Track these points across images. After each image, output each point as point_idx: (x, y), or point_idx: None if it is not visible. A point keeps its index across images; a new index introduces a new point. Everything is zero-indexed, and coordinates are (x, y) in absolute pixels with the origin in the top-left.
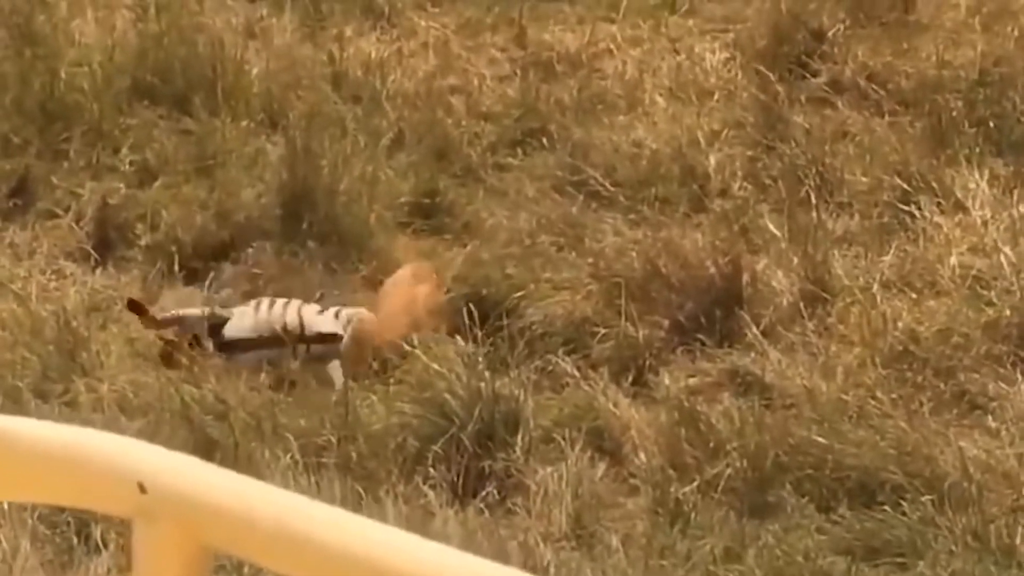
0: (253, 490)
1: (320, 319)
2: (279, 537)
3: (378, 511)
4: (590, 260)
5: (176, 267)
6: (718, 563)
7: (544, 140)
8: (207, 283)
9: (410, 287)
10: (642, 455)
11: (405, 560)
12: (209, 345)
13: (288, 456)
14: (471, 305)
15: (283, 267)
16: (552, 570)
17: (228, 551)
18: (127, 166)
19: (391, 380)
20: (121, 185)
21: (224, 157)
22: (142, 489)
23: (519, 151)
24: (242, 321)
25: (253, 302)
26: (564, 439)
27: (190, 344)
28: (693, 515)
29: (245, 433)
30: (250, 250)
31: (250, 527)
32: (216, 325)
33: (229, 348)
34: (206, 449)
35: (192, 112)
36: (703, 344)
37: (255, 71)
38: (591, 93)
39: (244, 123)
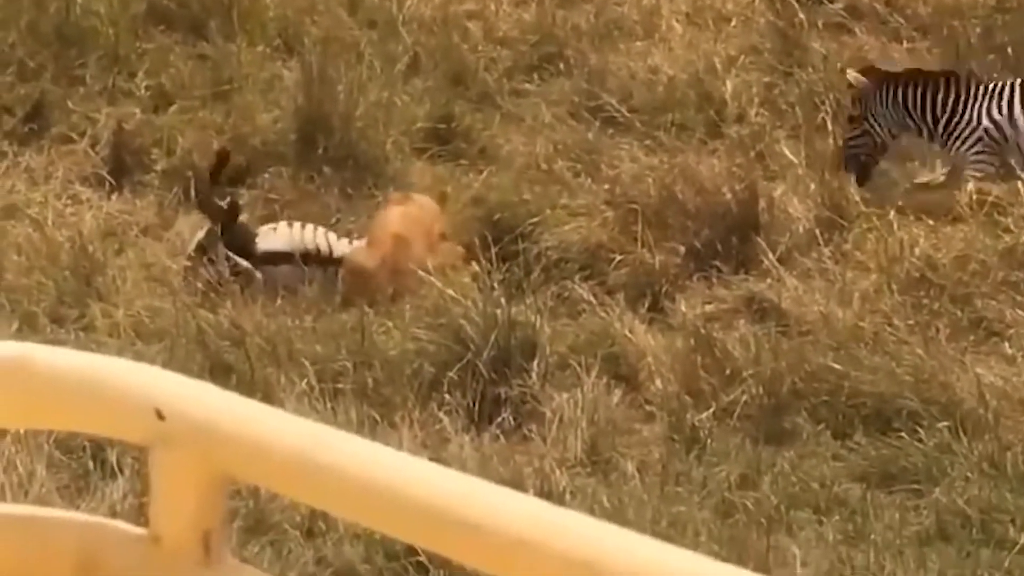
0: (270, 417)
1: (341, 244)
2: (296, 464)
3: (394, 437)
4: (606, 186)
5: (192, 192)
6: (733, 489)
7: (560, 66)
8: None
9: (403, 221)
10: (658, 382)
11: (421, 487)
12: (232, 261)
13: (304, 382)
14: (486, 231)
15: (299, 192)
16: (567, 496)
17: (245, 478)
18: (143, 91)
19: (407, 306)
20: (137, 110)
21: (240, 82)
22: (160, 416)
23: (535, 77)
24: (273, 238)
25: (271, 224)
26: (580, 365)
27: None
28: (709, 442)
29: (260, 358)
30: (266, 175)
31: (267, 454)
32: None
33: (265, 260)
34: (221, 374)
35: (208, 37)
36: (719, 271)
37: None
38: (608, 19)
39: (260, 48)
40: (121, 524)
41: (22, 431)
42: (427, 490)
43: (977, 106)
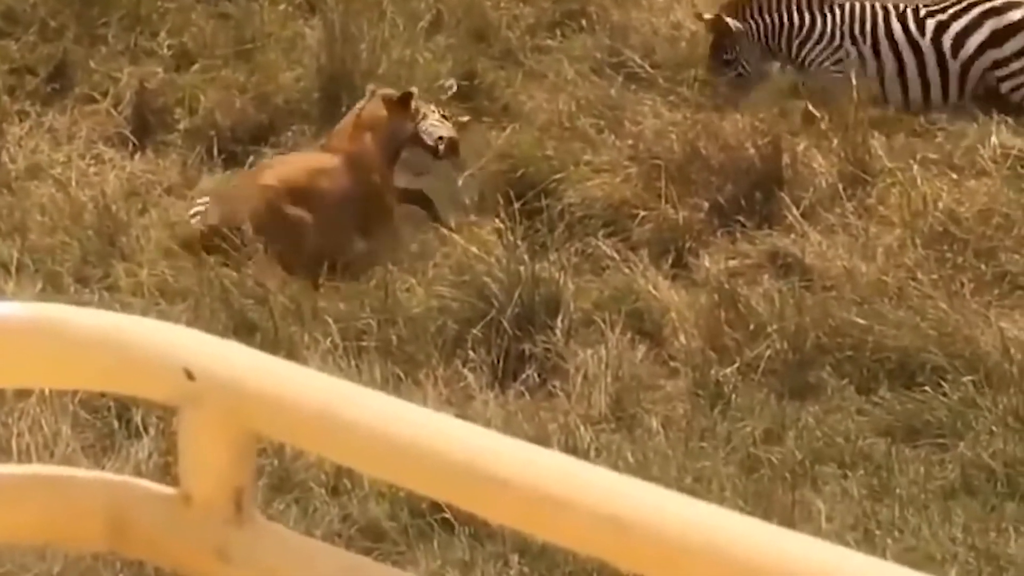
0: (299, 376)
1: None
2: (324, 421)
3: (418, 394)
4: (630, 142)
5: (215, 151)
6: (758, 445)
7: (583, 22)
8: (245, 167)
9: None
10: (682, 337)
11: (448, 443)
12: None
13: (328, 340)
14: (509, 188)
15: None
16: (592, 452)
17: (273, 436)
18: (165, 50)
19: (431, 264)
20: (159, 69)
21: (262, 41)
22: (189, 376)
23: (558, 33)
24: None
25: None
26: (604, 322)
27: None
28: (733, 397)
29: (284, 317)
30: (289, 133)
31: (296, 413)
32: None
33: None
34: (245, 333)
35: None
36: (743, 226)
37: None
38: None
39: (282, 7)
40: (150, 483)
41: (47, 391)
42: (453, 446)
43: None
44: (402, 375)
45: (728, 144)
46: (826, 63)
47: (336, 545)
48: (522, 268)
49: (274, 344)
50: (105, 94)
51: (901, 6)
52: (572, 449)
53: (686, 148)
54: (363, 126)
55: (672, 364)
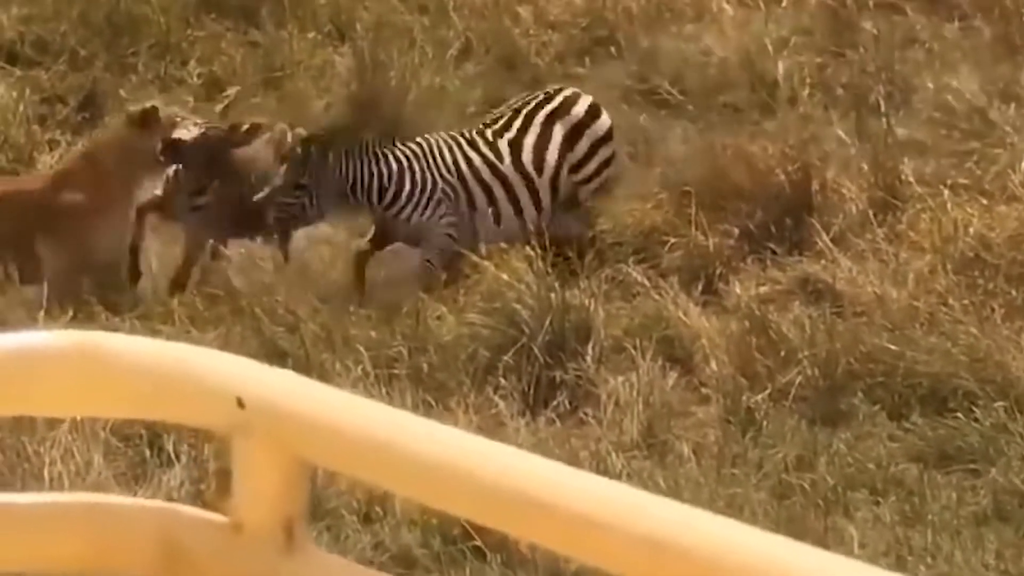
0: (350, 404)
1: None
2: (377, 451)
3: (449, 421)
4: (659, 169)
5: None
6: (790, 471)
7: (612, 49)
8: None
9: None
10: (713, 364)
11: (501, 472)
12: None
13: (359, 367)
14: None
15: None
16: (624, 479)
17: (325, 464)
18: (195, 79)
19: (460, 291)
20: (190, 98)
21: (292, 69)
22: (240, 404)
23: (587, 60)
24: None
25: None
26: (635, 348)
27: None
28: (765, 424)
29: (316, 344)
30: None
31: (348, 441)
32: None
33: None
34: (276, 360)
35: (259, 24)
36: (773, 252)
37: None
38: (658, 1)
39: (311, 35)
40: (201, 511)
41: (79, 418)
42: (507, 474)
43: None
44: (433, 402)
45: (758, 170)
46: (433, 217)
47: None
48: (553, 295)
49: (305, 372)
50: None
51: (466, 133)
52: (604, 476)
53: (716, 174)
54: (99, 145)
55: (703, 391)
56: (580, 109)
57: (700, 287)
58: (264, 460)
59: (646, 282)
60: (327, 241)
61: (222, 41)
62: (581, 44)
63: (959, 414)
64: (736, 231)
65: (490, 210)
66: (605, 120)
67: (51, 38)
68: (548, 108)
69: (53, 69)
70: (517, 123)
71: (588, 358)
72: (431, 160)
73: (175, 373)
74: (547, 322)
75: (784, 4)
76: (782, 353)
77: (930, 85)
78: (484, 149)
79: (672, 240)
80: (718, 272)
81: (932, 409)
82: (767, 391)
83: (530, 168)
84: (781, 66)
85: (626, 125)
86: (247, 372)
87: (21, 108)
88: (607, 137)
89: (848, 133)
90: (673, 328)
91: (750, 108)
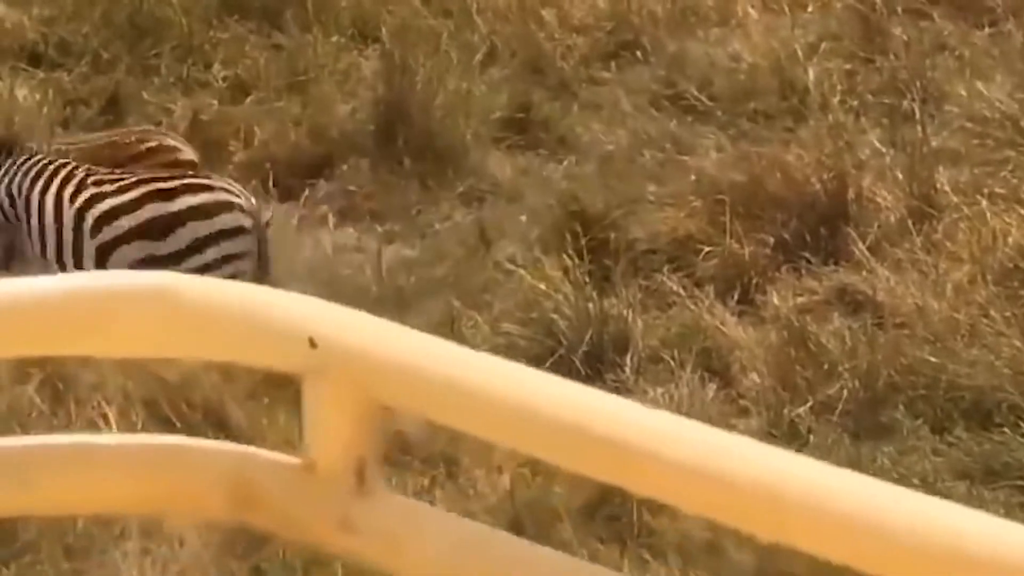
0: (424, 344)
1: None
2: (452, 390)
3: None
4: (693, 176)
5: (271, 184)
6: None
7: (637, 53)
8: (302, 201)
9: None
10: (753, 376)
11: (578, 412)
12: None
13: None
14: (573, 222)
15: (379, 184)
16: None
17: (399, 404)
18: (219, 82)
19: (495, 300)
20: (214, 101)
21: (316, 72)
22: (312, 344)
23: (612, 64)
24: None
25: None
26: (673, 359)
27: None
28: (808, 437)
29: None
30: (345, 167)
31: (422, 381)
32: None
33: None
34: None
35: (282, 27)
36: (808, 262)
37: None
38: (683, 5)
39: (335, 38)
40: (273, 453)
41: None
42: (581, 414)
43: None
44: None
45: (793, 178)
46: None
47: None
48: (590, 305)
49: None
50: (158, 125)
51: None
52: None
53: (750, 182)
54: None
55: (743, 403)
56: (184, 203)
57: (736, 296)
58: (336, 401)
59: (682, 291)
60: (357, 248)
61: (246, 44)
62: (606, 48)
63: (1005, 428)
64: (771, 240)
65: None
66: None
67: (73, 40)
68: (156, 185)
69: (76, 71)
70: (121, 181)
71: (627, 369)
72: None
73: (248, 315)
74: (585, 332)
75: (810, 9)
76: (823, 365)
77: (962, 92)
78: (71, 185)
79: (707, 248)
80: (754, 281)
81: (976, 423)
82: (808, 404)
83: (88, 227)
84: (811, 72)
85: (656, 131)
86: (319, 312)
87: (45, 110)
88: None
89: (882, 141)
90: (711, 339)
91: (780, 115)
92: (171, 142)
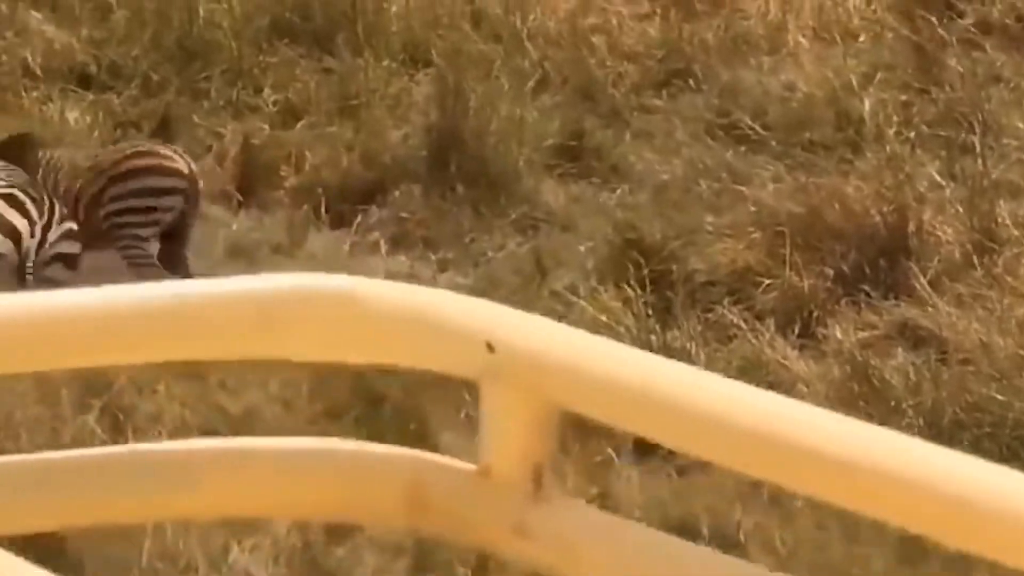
0: (604, 348)
1: None
2: (632, 395)
3: (556, 469)
4: (753, 208)
5: (323, 210)
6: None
7: (690, 81)
8: (353, 227)
9: None
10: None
11: (767, 419)
12: None
13: (462, 413)
14: (632, 253)
15: (431, 210)
16: (742, 534)
17: (578, 410)
18: (269, 106)
19: None
20: (264, 125)
21: (367, 97)
22: (490, 348)
23: (664, 92)
24: None
25: None
26: None
27: None
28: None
29: (411, 388)
30: (397, 193)
31: (601, 385)
32: None
33: None
34: (370, 405)
35: (333, 51)
36: (868, 295)
37: (394, 9)
38: (734, 33)
39: (386, 62)
40: (448, 458)
41: None
42: (771, 421)
43: None
44: None
45: (851, 210)
46: None
47: None
48: (653, 337)
49: (403, 417)
50: (208, 149)
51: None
52: (721, 529)
53: (808, 214)
54: None
55: None
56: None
57: (796, 330)
58: (513, 405)
59: (742, 324)
60: (410, 276)
61: (296, 68)
62: (657, 76)
63: None
64: (831, 272)
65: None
66: None
67: (123, 62)
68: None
69: (125, 93)
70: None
71: None
72: None
73: (425, 318)
74: None
75: (861, 38)
76: (889, 402)
77: (1020, 125)
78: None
79: (766, 281)
80: (814, 315)
81: None
82: None
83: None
84: (867, 103)
85: (712, 161)
86: (497, 316)
87: (95, 133)
88: None
89: (940, 173)
90: (773, 373)
91: (836, 145)
92: (163, 151)
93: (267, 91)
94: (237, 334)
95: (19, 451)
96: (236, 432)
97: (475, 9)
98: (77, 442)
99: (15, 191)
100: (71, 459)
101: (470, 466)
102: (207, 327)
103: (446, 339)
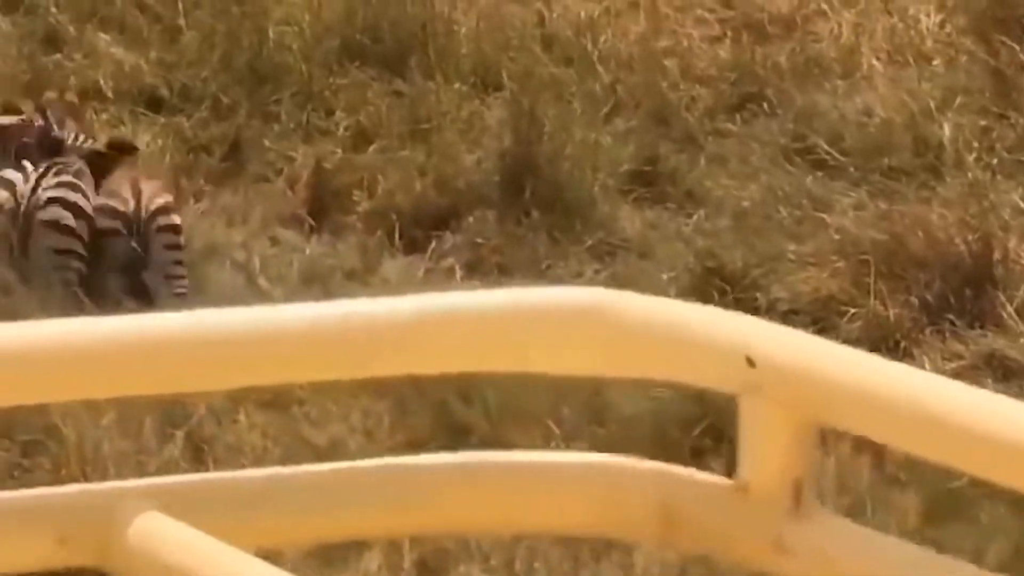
0: (868, 363)
1: None
2: (899, 411)
3: None
4: (837, 235)
5: (396, 235)
6: (1006, 566)
7: (763, 105)
8: (428, 253)
9: None
10: None
11: None
12: None
13: (552, 444)
14: (715, 280)
15: (506, 236)
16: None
17: (840, 425)
18: (341, 130)
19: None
20: (336, 149)
21: (439, 120)
22: (750, 363)
23: (737, 117)
24: None
25: None
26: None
27: None
28: (974, 512)
29: (492, 414)
30: (471, 219)
31: (865, 400)
32: None
33: None
34: (451, 434)
35: (404, 73)
36: (953, 324)
37: (463, 31)
38: (807, 56)
39: (456, 85)
40: (704, 473)
41: None
42: None
43: None
44: None
45: (936, 238)
46: None
47: None
48: None
49: (491, 446)
50: (279, 173)
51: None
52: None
53: (892, 241)
54: None
55: (899, 475)
56: None
57: None
58: (773, 420)
59: None
60: None
61: (367, 90)
62: (730, 100)
63: None
64: (915, 302)
65: None
66: None
67: (192, 84)
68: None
69: (195, 116)
70: None
71: None
72: None
73: (684, 332)
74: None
75: (936, 61)
76: None
77: None
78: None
79: (851, 310)
80: (901, 345)
81: None
82: (965, 478)
83: None
84: (947, 128)
85: (791, 187)
86: (756, 330)
87: (167, 157)
88: None
89: None
90: None
91: (916, 171)
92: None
93: (338, 114)
94: (490, 348)
95: None
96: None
97: (545, 32)
98: (161, 473)
99: None
100: (299, 475)
101: (726, 481)
102: (464, 341)
103: (705, 354)
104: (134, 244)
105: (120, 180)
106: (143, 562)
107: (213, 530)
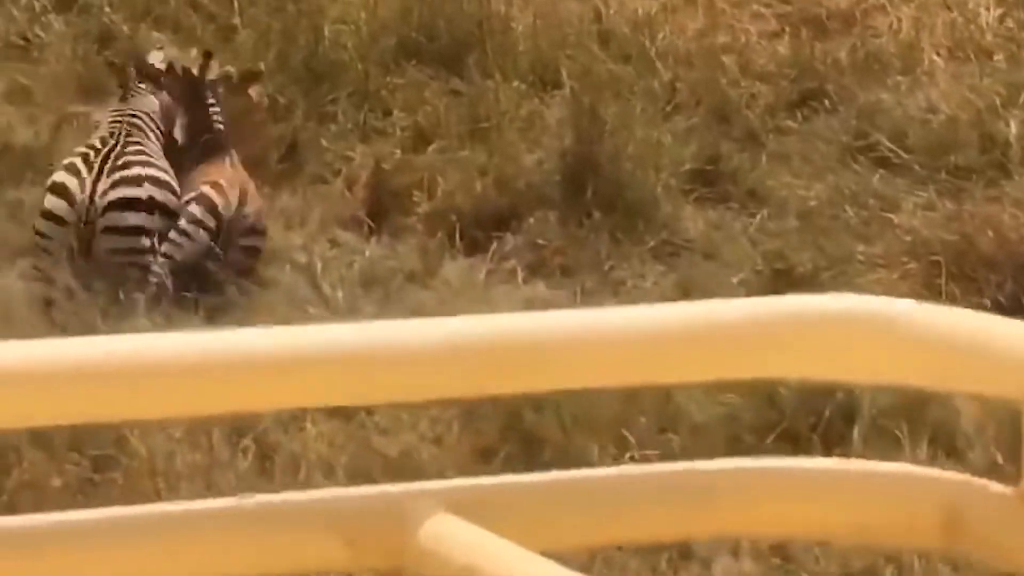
0: None
1: None
2: None
3: None
4: (908, 237)
5: (457, 237)
6: None
7: (824, 102)
8: (489, 254)
9: None
10: (978, 450)
11: None
12: None
13: (628, 455)
14: (781, 283)
15: (567, 237)
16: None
17: None
18: (398, 130)
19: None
20: (395, 149)
21: (498, 120)
22: None
23: (798, 114)
24: None
25: None
26: (901, 432)
27: None
28: None
29: (563, 425)
30: (532, 220)
31: None
32: None
33: None
34: (524, 445)
35: (461, 72)
36: None
37: (520, 28)
38: (867, 52)
39: (515, 83)
40: (988, 481)
41: None
42: None
43: None
44: None
45: (1007, 238)
46: None
47: None
48: None
49: (565, 459)
50: (337, 174)
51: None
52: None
53: (962, 242)
54: None
55: None
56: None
57: None
58: None
59: None
60: (549, 305)
61: (425, 90)
62: (790, 96)
63: None
64: (988, 303)
65: None
66: None
67: None
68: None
69: None
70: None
71: (854, 442)
72: None
73: (967, 340)
74: (811, 403)
75: (997, 57)
76: None
77: None
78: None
79: None
80: None
81: None
82: None
83: None
84: (1014, 125)
85: (856, 186)
86: None
87: None
88: None
89: None
90: (935, 410)
91: (982, 169)
92: None
93: (396, 114)
94: (781, 353)
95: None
96: (393, 474)
97: (602, 28)
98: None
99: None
100: (586, 477)
101: (1010, 489)
102: (736, 345)
103: (987, 361)
104: (214, 244)
105: (230, 173)
106: (437, 563)
107: (501, 532)
